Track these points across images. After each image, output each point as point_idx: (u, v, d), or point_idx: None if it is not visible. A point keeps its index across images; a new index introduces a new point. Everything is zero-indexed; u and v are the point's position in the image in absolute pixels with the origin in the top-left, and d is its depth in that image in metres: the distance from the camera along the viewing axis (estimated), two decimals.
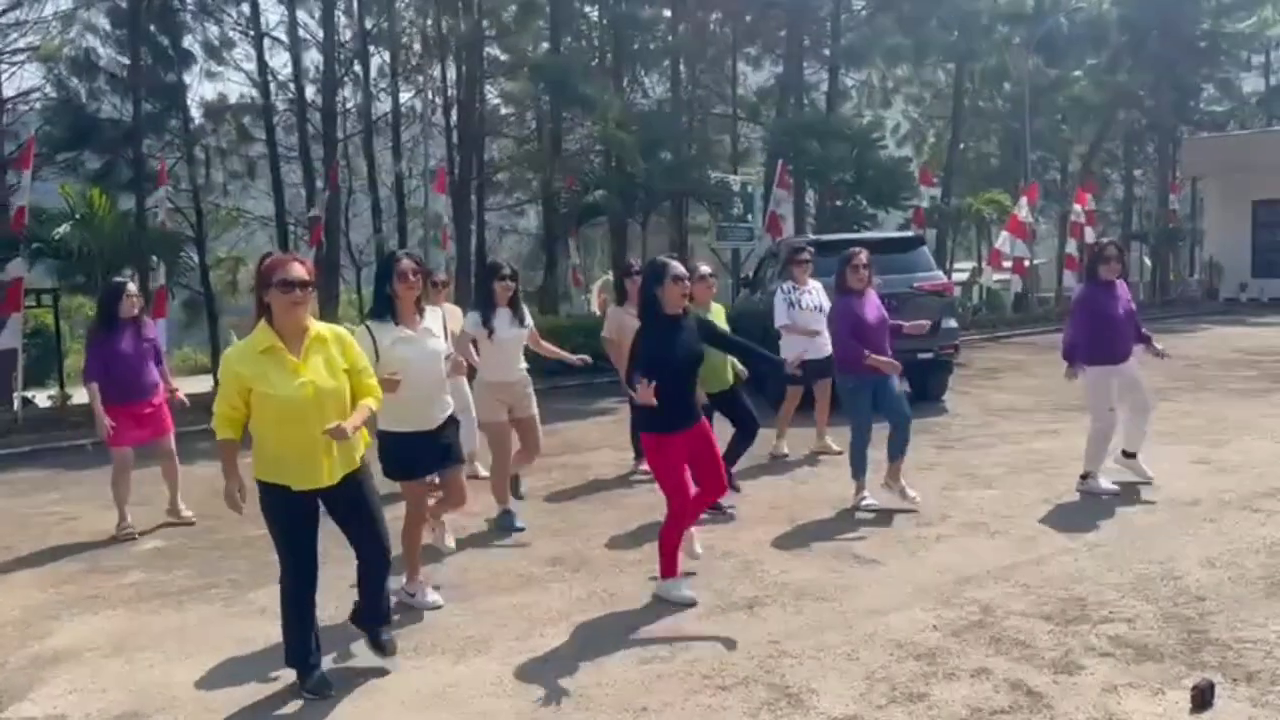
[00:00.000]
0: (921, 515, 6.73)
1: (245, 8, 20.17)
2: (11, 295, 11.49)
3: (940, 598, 5.11)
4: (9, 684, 4.58)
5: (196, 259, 20.67)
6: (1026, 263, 21.57)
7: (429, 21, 19.20)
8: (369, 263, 21.38)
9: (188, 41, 20.35)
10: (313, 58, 20.25)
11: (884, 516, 6.76)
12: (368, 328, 4.97)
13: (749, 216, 17.25)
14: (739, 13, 22.13)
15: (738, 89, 25.60)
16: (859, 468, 6.99)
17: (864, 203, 17.78)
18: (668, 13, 21.25)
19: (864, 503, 6.92)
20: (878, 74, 26.52)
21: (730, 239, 16.97)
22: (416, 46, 19.90)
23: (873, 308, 6.91)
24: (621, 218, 17.15)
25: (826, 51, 22.24)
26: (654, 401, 4.79)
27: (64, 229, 11.35)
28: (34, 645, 5.07)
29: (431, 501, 5.57)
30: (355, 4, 19.61)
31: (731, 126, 25.48)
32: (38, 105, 18.31)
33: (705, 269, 7.72)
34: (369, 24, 19.27)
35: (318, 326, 4.08)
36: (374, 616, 4.45)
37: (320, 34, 19.54)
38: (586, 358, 7.28)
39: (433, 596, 5.29)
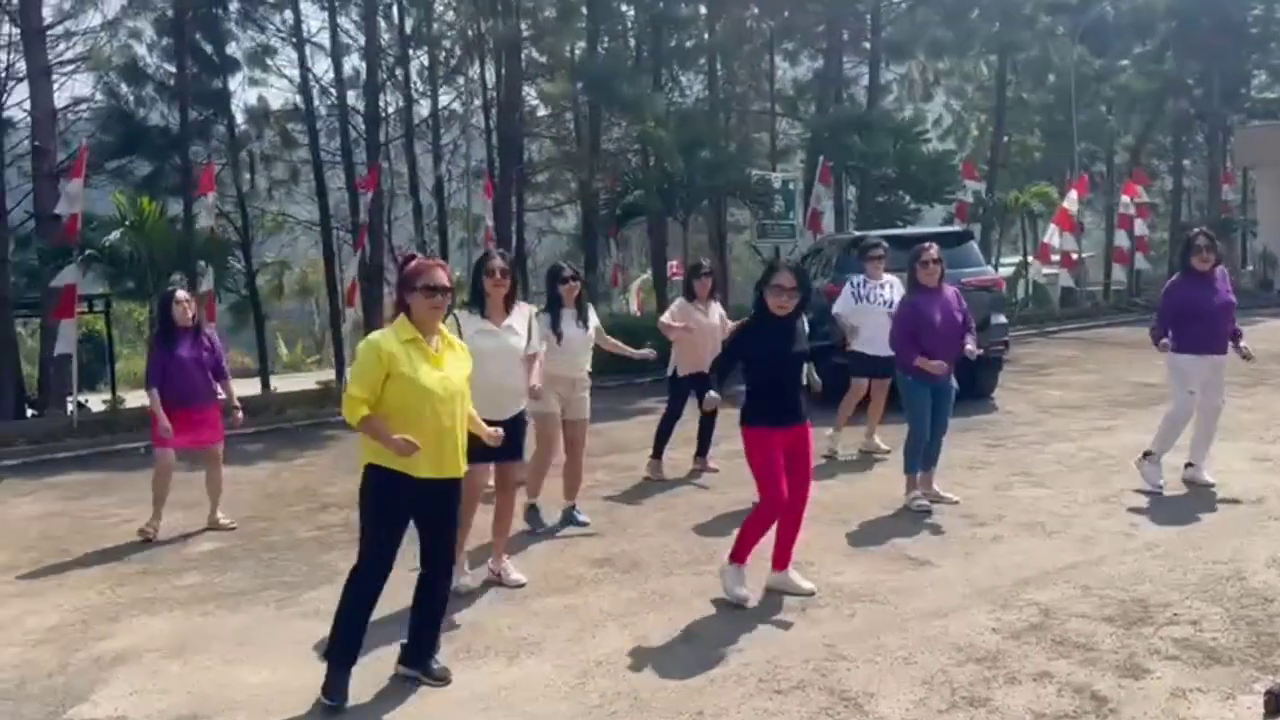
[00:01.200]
0: (976, 515, 6.64)
1: (288, 15, 20.37)
2: (65, 302, 11.69)
3: (998, 600, 5.02)
4: (71, 685, 4.63)
5: (243, 263, 21.02)
6: (1075, 256, 21.25)
7: (468, 24, 19.25)
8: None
9: (232, 49, 20.63)
10: (354, 63, 20.40)
11: (937, 517, 6.66)
12: (456, 316, 5.25)
13: (790, 214, 17.15)
14: (777, 8, 21.97)
15: (775, 85, 25.47)
16: (912, 464, 6.90)
17: (907, 198, 17.59)
18: (704, 10, 21.13)
19: (915, 502, 6.83)
20: (918, 67, 26.24)
21: (772, 237, 16.89)
22: (456, 49, 19.94)
23: (944, 306, 6.77)
24: (661, 217, 17.09)
25: (867, 45, 22.04)
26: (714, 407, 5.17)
27: (114, 236, 11.53)
28: (95, 646, 5.13)
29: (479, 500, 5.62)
30: (396, 8, 19.71)
31: (771, 123, 25.34)
32: (85, 115, 18.55)
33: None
34: (409, 28, 19.33)
35: (448, 331, 4.39)
36: (432, 645, 4.44)
37: (361, 39, 19.64)
38: (651, 352, 7.34)
39: (466, 580, 5.53)
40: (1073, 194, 19.23)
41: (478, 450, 5.22)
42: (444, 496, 4.28)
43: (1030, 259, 23.52)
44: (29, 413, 15.74)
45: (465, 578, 5.52)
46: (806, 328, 5.33)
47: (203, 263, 12.71)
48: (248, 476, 8.74)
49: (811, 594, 5.24)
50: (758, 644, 4.64)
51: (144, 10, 18.07)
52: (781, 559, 5.33)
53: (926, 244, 6.94)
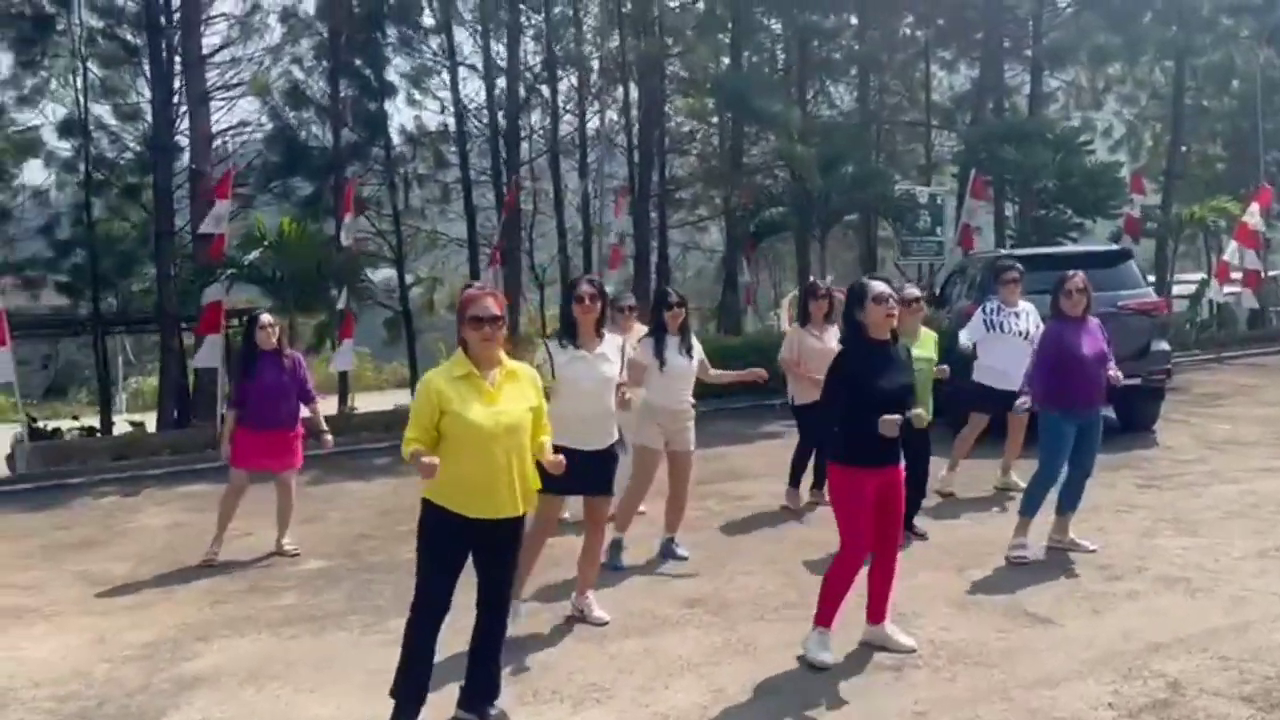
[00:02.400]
0: (1113, 567, 6.03)
1: (442, 39, 20.91)
2: (210, 317, 12.23)
3: (1121, 669, 4.48)
4: (147, 706, 4.68)
5: (396, 280, 21.72)
6: (1260, 274, 19.56)
7: (612, 43, 19.31)
8: (553, 282, 21.74)
9: (389, 73, 21.33)
10: (502, 84, 20.71)
11: (1070, 567, 6.07)
12: (546, 345, 5.32)
13: (938, 229, 16.40)
14: (931, 16, 21.18)
15: (932, 94, 24.57)
16: (1031, 506, 6.35)
17: (1068, 212, 16.56)
18: (855, 20, 20.56)
19: (1015, 552, 6.23)
20: (1086, 74, 24.79)
21: (916, 254, 16.17)
22: (598, 67, 20.02)
23: (1088, 338, 6.25)
24: (800, 234, 16.65)
25: (1028, 52, 20.97)
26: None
27: (255, 255, 11.99)
28: (181, 666, 5.19)
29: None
30: (544, 29, 19.94)
31: (926, 135, 24.46)
32: (250, 137, 19.48)
33: (913, 290, 7.22)
34: (554, 49, 19.53)
35: (510, 362, 4.18)
36: (487, 688, 4.25)
37: (506, 61, 19.98)
38: (762, 371, 6.94)
39: (525, 609, 5.36)
40: (1255, 207, 17.69)
41: (562, 482, 5.05)
42: (499, 537, 4.11)
43: (1210, 278, 21.84)
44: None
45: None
46: (906, 354, 4.92)
47: (334, 282, 12.98)
48: (367, 492, 8.83)
49: (911, 651, 4.81)
50: (839, 707, 4.26)
51: (303, 36, 18.80)
52: (877, 612, 4.91)
53: (1072, 272, 6.40)
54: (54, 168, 17.42)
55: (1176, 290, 21.36)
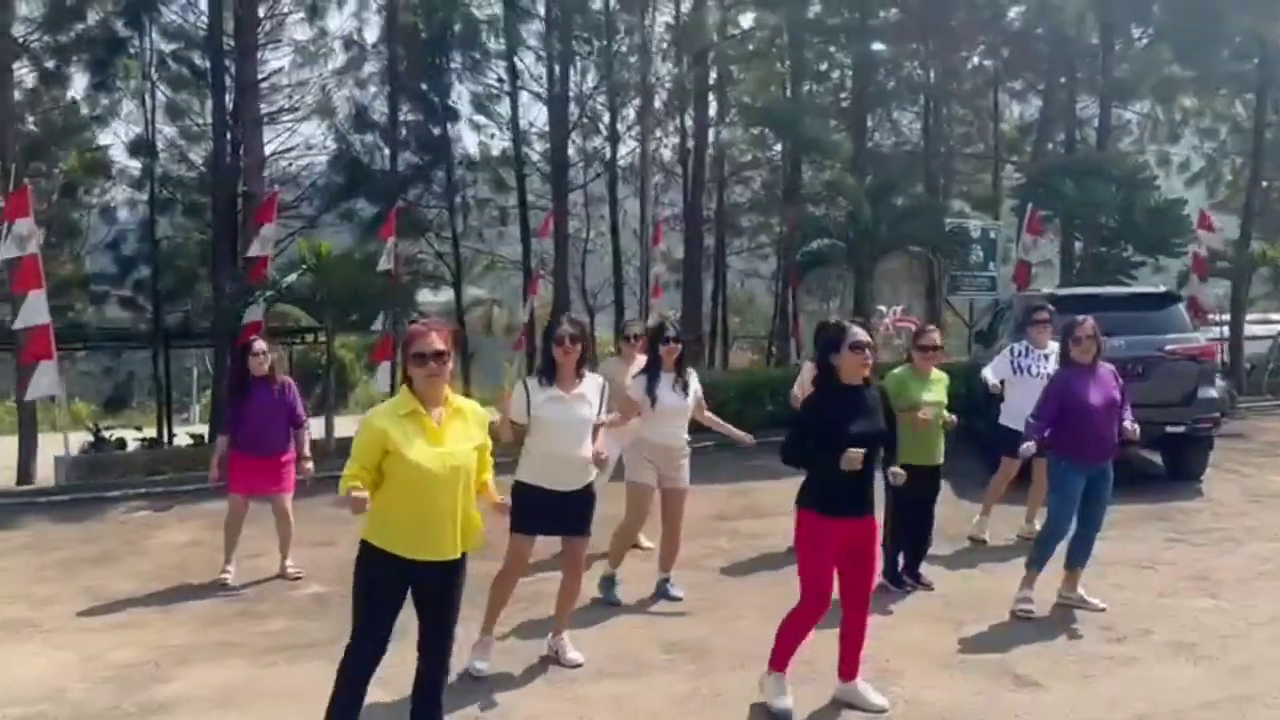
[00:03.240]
0: (1118, 627, 5.76)
1: (503, 64, 21.17)
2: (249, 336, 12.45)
3: None
4: None
5: (455, 301, 22.00)
6: None
7: (667, 70, 19.35)
8: (604, 307, 21.79)
9: (451, 97, 21.65)
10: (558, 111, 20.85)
11: (1074, 625, 5.81)
12: (524, 384, 5.25)
13: (990, 265, 16.01)
14: (998, 46, 20.78)
15: (1000, 125, 24.11)
16: (1040, 558, 6.11)
17: (1130, 249, 16.03)
18: (916, 46, 20.27)
19: (1021, 605, 6.01)
20: (1163, 107, 24.08)
21: (966, 289, 15.79)
22: (652, 95, 20.03)
23: (1099, 386, 5.96)
24: (857, 265, 16.38)
25: (1101, 80, 20.43)
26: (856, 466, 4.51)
27: (293, 278, 12.21)
28: (153, 690, 5.21)
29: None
30: (601, 56, 20.04)
31: (994, 167, 23.98)
32: (306, 162, 19.91)
33: (934, 337, 6.91)
34: (611, 75, 19.61)
35: (456, 399, 4.06)
36: None
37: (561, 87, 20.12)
38: (748, 437, 6.69)
39: (480, 664, 5.19)
40: None
41: (536, 522, 5.16)
42: (441, 579, 3.98)
43: None
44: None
45: (480, 661, 5.19)
46: (880, 398, 4.72)
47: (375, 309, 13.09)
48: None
49: (881, 711, 4.63)
50: None
51: (366, 61, 19.18)
52: (848, 669, 4.74)
53: (1082, 317, 6.15)
54: (122, 185, 17.99)
55: (1256, 330, 20.50)
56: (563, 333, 5.16)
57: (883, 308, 14.74)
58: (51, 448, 12.89)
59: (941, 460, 6.78)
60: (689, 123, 19.89)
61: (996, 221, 17.25)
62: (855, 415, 4.49)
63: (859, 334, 4.52)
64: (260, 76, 16.10)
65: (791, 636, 4.60)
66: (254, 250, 12.92)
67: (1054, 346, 7.73)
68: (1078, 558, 6.09)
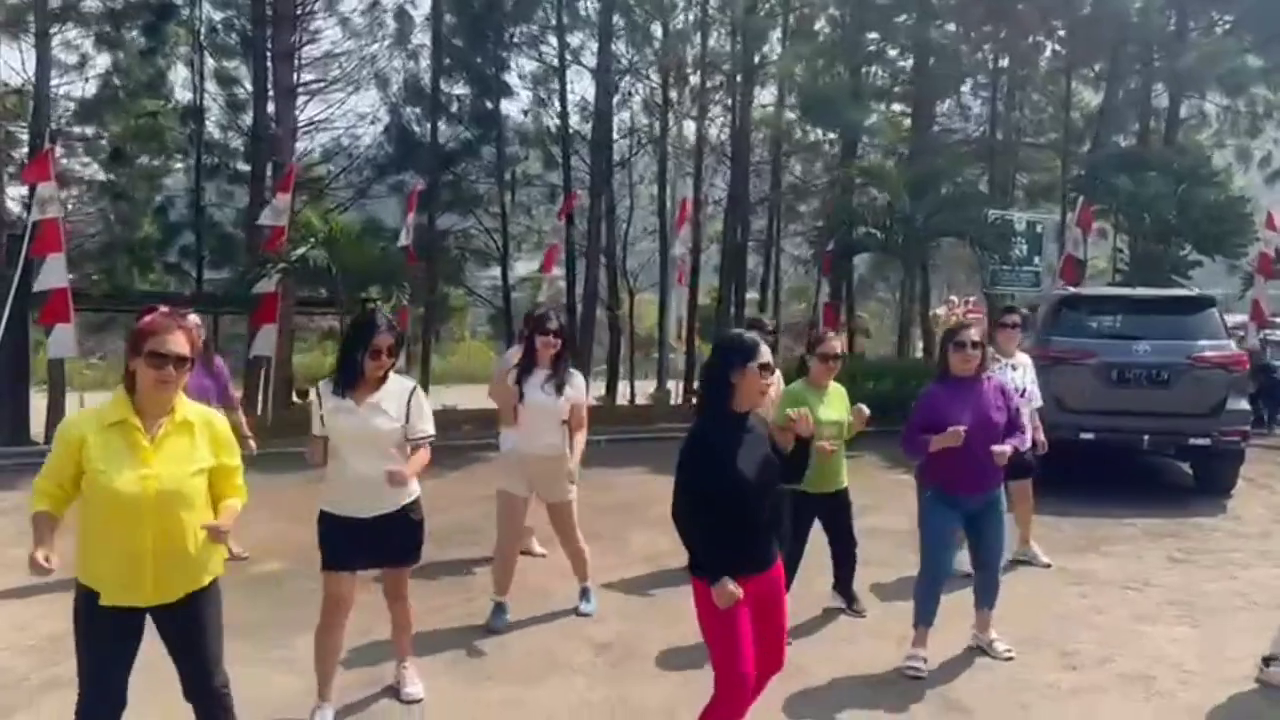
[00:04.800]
0: (1078, 655, 5.42)
1: (555, 40, 21.00)
2: (265, 308, 12.54)
3: None
4: (9, 701, 4.68)
5: (500, 277, 22.02)
6: None
7: (723, 47, 18.97)
8: (643, 289, 21.59)
9: (501, 71, 21.53)
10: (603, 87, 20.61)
11: (1024, 655, 5.46)
12: (317, 390, 4.49)
13: (1035, 259, 15.37)
14: (1065, 30, 19.95)
15: (1071, 113, 23.20)
16: (921, 613, 5.20)
17: (1187, 248, 15.27)
18: (974, 33, 19.57)
19: (908, 663, 5.11)
20: (1245, 98, 22.90)
21: (1006, 284, 15.17)
22: (709, 75, 19.70)
23: (977, 404, 5.01)
24: (905, 256, 15.89)
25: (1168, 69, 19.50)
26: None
27: (302, 250, 12.19)
28: (64, 664, 5.15)
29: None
30: (646, 35, 19.75)
31: (1063, 155, 23.09)
32: (359, 134, 19.99)
33: (833, 342, 5.84)
34: (651, 53, 19.33)
35: (186, 409, 3.39)
36: None
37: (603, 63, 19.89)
38: (572, 473, 5.78)
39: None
40: None
41: (342, 556, 4.45)
42: (172, 623, 3.40)
43: None
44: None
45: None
46: (761, 419, 3.80)
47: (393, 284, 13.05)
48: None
49: None
50: None
51: (414, 32, 19.16)
52: None
53: (969, 325, 5.34)
54: (169, 152, 18.24)
55: None
56: (379, 343, 4.29)
57: (954, 298, 14.23)
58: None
59: (845, 482, 5.91)
60: (732, 101, 19.46)
61: (1043, 214, 16.55)
62: (749, 448, 3.59)
63: (766, 354, 3.63)
64: (296, 45, 16.09)
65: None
66: (265, 220, 12.94)
67: (1022, 357, 7.21)
68: (984, 597, 5.36)
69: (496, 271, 22.37)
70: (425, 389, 5.21)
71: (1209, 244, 15.19)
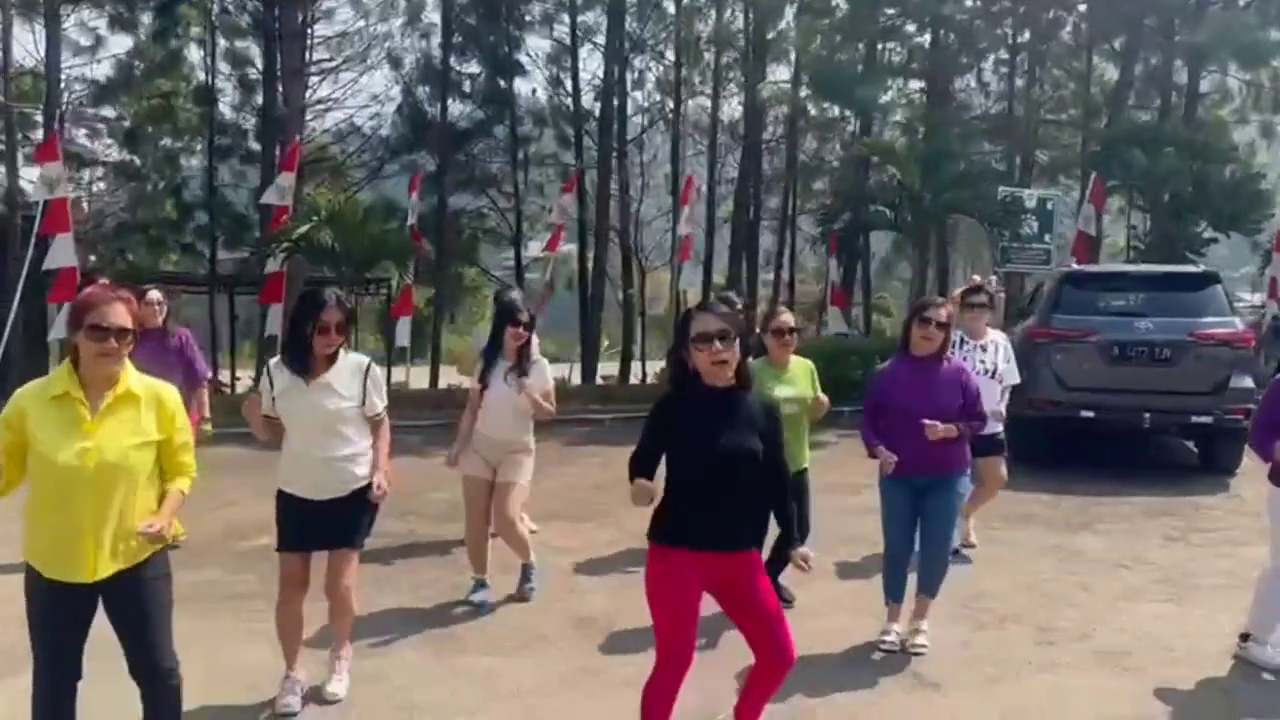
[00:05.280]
0: (1054, 631, 5.40)
1: (566, 19, 20.94)
2: (271, 287, 12.63)
3: None
4: None
5: (513, 258, 22.09)
6: None
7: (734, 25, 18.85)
8: (655, 268, 21.57)
9: (512, 51, 21.50)
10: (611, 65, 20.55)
11: (1002, 628, 5.45)
12: (268, 367, 4.48)
13: (1046, 237, 15.20)
14: (1089, 5, 19.67)
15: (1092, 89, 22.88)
16: (886, 589, 5.22)
17: (1203, 225, 15.06)
18: (994, 8, 19.34)
19: (881, 637, 5.12)
20: (1269, 73, 22.50)
21: (1017, 262, 15.02)
22: (709, 51, 19.58)
23: (932, 387, 4.90)
24: (913, 234, 15.77)
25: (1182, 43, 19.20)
26: None
27: (305, 229, 12.23)
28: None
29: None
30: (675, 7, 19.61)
31: (1083, 129, 22.80)
32: (372, 114, 20.03)
33: (787, 319, 5.71)
34: (662, 32, 19.25)
35: (132, 382, 3.35)
36: None
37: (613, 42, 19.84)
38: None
39: (288, 699, 4.35)
40: None
41: (300, 536, 4.44)
42: (115, 601, 3.35)
43: None
44: None
45: (288, 695, 4.37)
46: (759, 405, 3.65)
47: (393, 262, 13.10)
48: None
49: None
50: None
51: (424, 12, 19.16)
52: (745, 713, 3.80)
53: (931, 299, 5.25)
54: (183, 133, 18.36)
55: None
56: (327, 318, 4.23)
57: (977, 277, 14.12)
58: None
59: (806, 463, 5.67)
60: (746, 78, 19.33)
61: (1053, 191, 16.36)
62: (718, 426, 3.48)
63: (706, 322, 3.49)
64: (305, 25, 16.13)
65: (652, 708, 3.62)
66: (269, 199, 13.02)
67: (994, 336, 6.85)
68: (921, 580, 5.15)
69: (512, 251, 22.45)
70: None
71: (1225, 221, 14.98)
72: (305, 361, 4.30)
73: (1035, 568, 6.63)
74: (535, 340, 5.93)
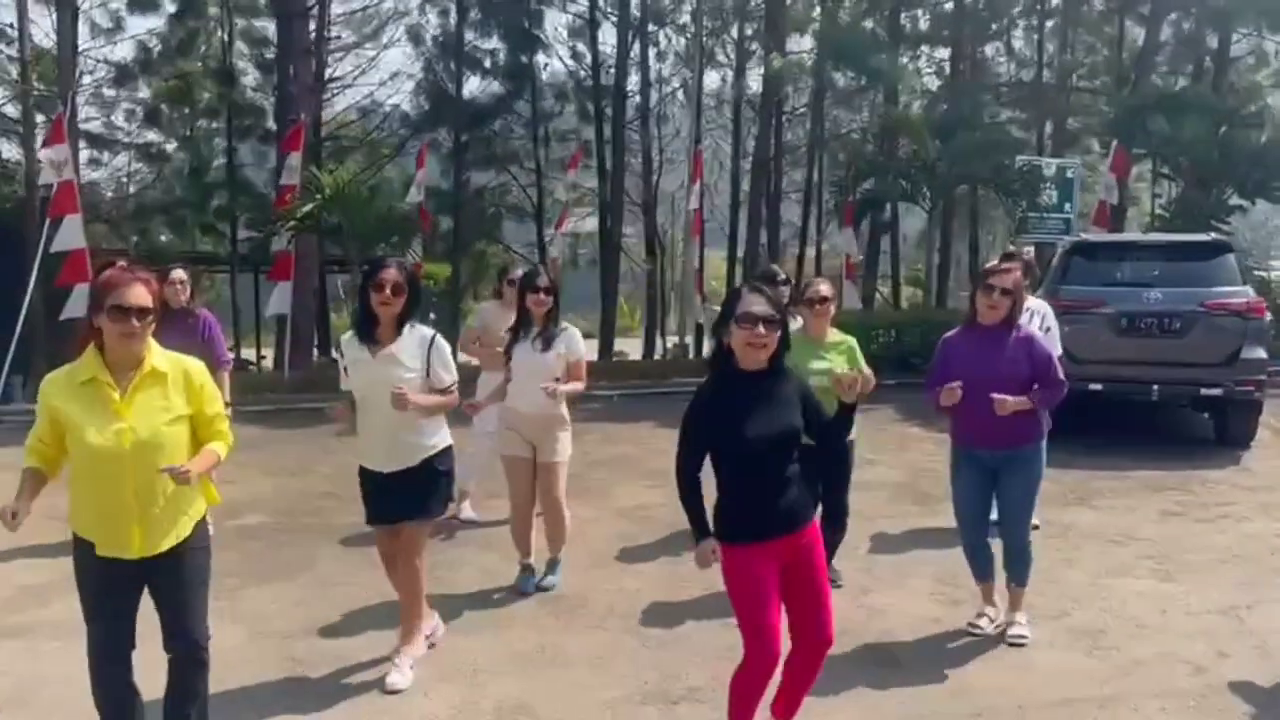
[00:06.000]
0: (1034, 608, 5.19)
1: None
2: (280, 266, 12.69)
3: None
4: None
5: (536, 234, 22.06)
6: None
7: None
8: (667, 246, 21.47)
9: (533, 25, 21.39)
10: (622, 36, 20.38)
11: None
12: (340, 341, 4.60)
13: (1066, 206, 14.87)
14: None
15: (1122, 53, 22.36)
16: (974, 571, 5.11)
17: (1229, 193, 14.67)
18: None
19: (977, 622, 4.98)
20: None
21: (1036, 232, 14.69)
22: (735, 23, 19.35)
23: (997, 356, 4.71)
24: (930, 204, 15.51)
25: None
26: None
27: (309, 207, 12.25)
28: (30, 613, 5.33)
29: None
30: None
31: (1115, 94, 22.31)
32: (392, 93, 20.02)
33: (823, 288, 5.62)
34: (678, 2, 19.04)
35: (157, 359, 3.40)
36: None
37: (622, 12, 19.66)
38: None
39: (394, 677, 4.39)
40: None
41: (370, 509, 4.55)
42: (157, 575, 3.43)
43: None
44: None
45: (394, 674, 4.40)
46: (795, 384, 3.56)
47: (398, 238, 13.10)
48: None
49: None
50: None
51: None
52: (784, 709, 3.74)
53: (1005, 265, 5.09)
54: (202, 113, 18.49)
55: None
56: (384, 278, 4.31)
57: (1011, 247, 13.95)
58: None
59: (850, 435, 5.38)
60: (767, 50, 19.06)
61: (1074, 160, 16.00)
62: (751, 410, 3.42)
63: (751, 304, 3.41)
64: (310, 4, 16.15)
65: (744, 696, 3.57)
66: (283, 179, 13.10)
67: (1033, 303, 6.66)
68: (1009, 569, 4.97)
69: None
70: (453, 351, 5.17)
71: (1250, 188, 14.58)
72: (368, 328, 4.39)
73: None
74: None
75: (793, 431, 3.46)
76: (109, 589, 3.41)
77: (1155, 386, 9.02)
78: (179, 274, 6.70)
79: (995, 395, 4.58)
